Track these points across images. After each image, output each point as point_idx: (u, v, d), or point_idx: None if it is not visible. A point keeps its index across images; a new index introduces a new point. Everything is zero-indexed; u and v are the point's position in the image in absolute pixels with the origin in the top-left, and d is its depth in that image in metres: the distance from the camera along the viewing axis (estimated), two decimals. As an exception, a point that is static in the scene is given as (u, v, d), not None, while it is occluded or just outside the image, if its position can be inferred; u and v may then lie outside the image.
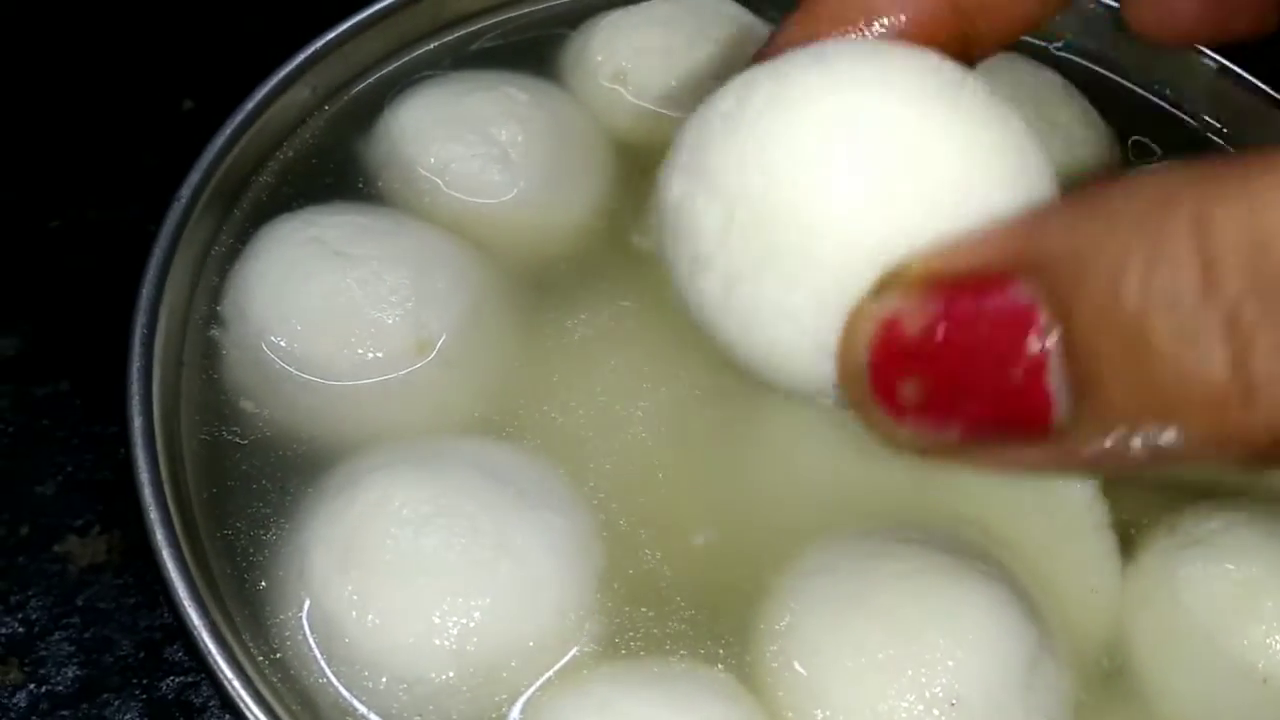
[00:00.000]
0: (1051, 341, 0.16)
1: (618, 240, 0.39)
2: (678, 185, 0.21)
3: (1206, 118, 0.45)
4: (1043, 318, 0.16)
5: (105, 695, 0.34)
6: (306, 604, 0.29)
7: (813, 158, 0.19)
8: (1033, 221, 0.17)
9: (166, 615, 0.35)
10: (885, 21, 0.23)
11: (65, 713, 0.33)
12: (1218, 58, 0.43)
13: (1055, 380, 0.16)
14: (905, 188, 0.19)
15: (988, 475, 0.31)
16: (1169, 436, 0.16)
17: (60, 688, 0.34)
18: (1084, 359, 0.16)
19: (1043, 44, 0.46)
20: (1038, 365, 0.16)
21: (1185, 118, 0.45)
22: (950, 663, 0.28)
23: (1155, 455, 0.16)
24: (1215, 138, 0.44)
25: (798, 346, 0.20)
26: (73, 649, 0.34)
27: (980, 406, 0.17)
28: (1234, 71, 0.43)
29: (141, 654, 0.34)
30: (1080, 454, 0.17)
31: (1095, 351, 0.16)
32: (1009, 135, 0.20)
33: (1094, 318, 0.15)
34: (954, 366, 0.17)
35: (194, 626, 0.27)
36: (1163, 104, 0.45)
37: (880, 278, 0.18)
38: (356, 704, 0.28)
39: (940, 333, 0.17)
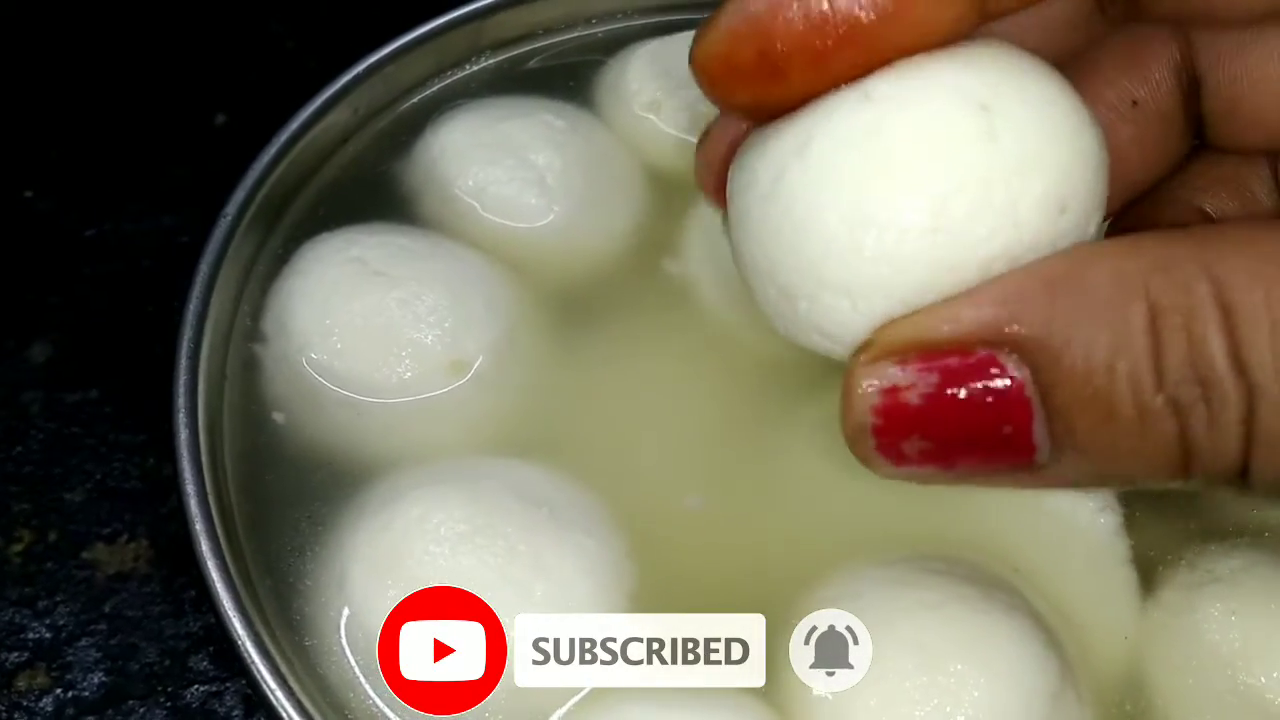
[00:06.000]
0: (1036, 406, 0.19)
1: (650, 265, 0.39)
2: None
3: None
4: (1028, 389, 0.19)
5: (130, 702, 0.34)
6: (345, 617, 0.30)
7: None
8: (1007, 296, 0.20)
9: (193, 624, 0.35)
10: None
11: (91, 718, 0.34)
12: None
13: (1039, 435, 0.20)
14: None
15: (1008, 501, 0.32)
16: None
17: (86, 693, 0.34)
18: (1062, 421, 0.19)
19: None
20: (1025, 424, 0.20)
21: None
22: (975, 693, 0.28)
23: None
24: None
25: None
26: (99, 655, 0.35)
27: (974, 455, 0.20)
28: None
29: (167, 662, 0.35)
30: (1056, 483, 0.20)
31: (1072, 416, 0.19)
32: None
33: (1070, 392, 0.19)
34: (952, 427, 0.20)
35: (238, 636, 0.28)
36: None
37: (867, 341, 0.21)
38: (394, 718, 0.29)
39: (938, 401, 0.20)
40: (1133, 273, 0.19)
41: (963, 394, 0.20)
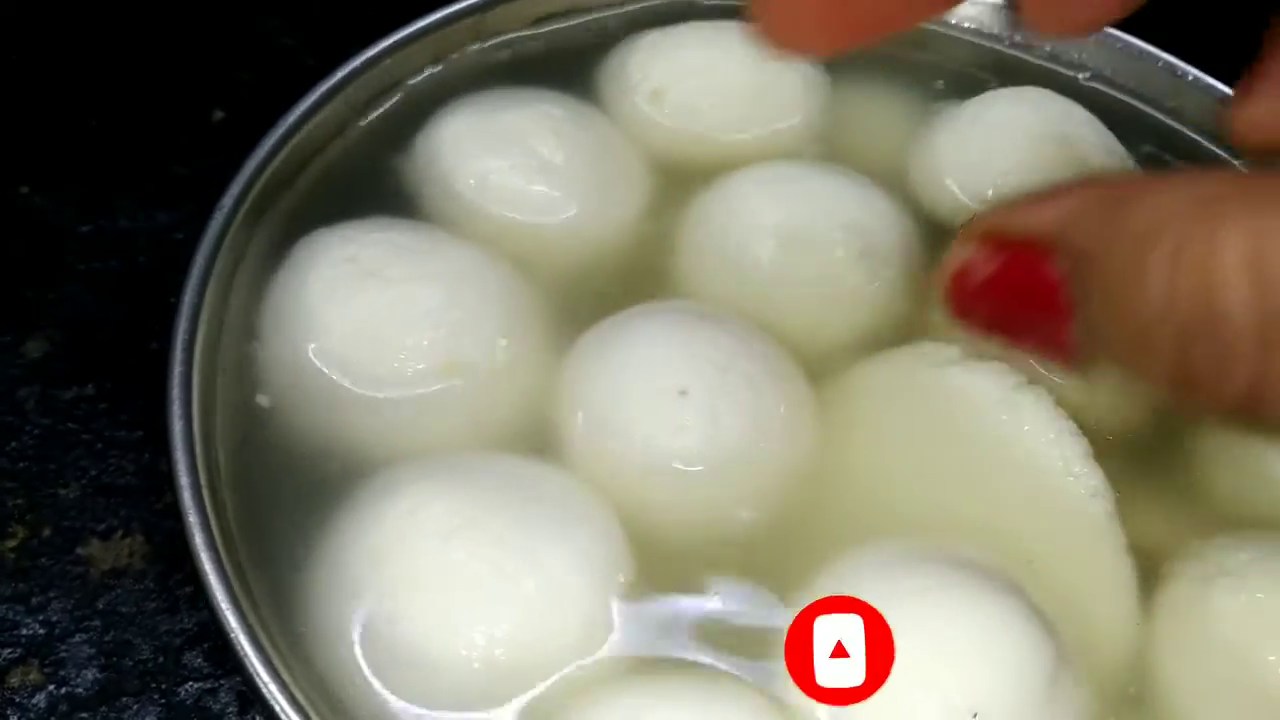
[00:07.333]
0: (1074, 308, 0.21)
1: (651, 258, 0.39)
2: None
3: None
4: (1069, 291, 0.21)
5: (124, 699, 0.34)
6: (340, 610, 0.29)
7: None
8: (1075, 206, 0.22)
9: (187, 620, 0.35)
10: None
11: (84, 715, 0.33)
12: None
13: (1078, 333, 0.21)
14: None
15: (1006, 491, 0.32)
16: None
17: (80, 690, 0.34)
18: (1094, 330, 0.21)
19: (1071, 74, 0.46)
20: (1063, 323, 0.21)
21: (1209, 145, 0.45)
22: (972, 674, 0.29)
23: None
24: (1237, 163, 0.44)
25: None
26: (93, 652, 0.34)
27: (1025, 339, 0.23)
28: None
29: (161, 659, 0.35)
30: (1102, 376, 0.22)
31: (1099, 326, 0.21)
32: None
33: (1100, 306, 0.21)
34: (1004, 310, 0.23)
35: (233, 631, 0.27)
36: (1189, 132, 0.45)
37: (969, 222, 0.24)
38: (390, 710, 0.28)
39: (994, 285, 0.23)
40: (1178, 204, 0.20)
41: (1014, 280, 0.22)
